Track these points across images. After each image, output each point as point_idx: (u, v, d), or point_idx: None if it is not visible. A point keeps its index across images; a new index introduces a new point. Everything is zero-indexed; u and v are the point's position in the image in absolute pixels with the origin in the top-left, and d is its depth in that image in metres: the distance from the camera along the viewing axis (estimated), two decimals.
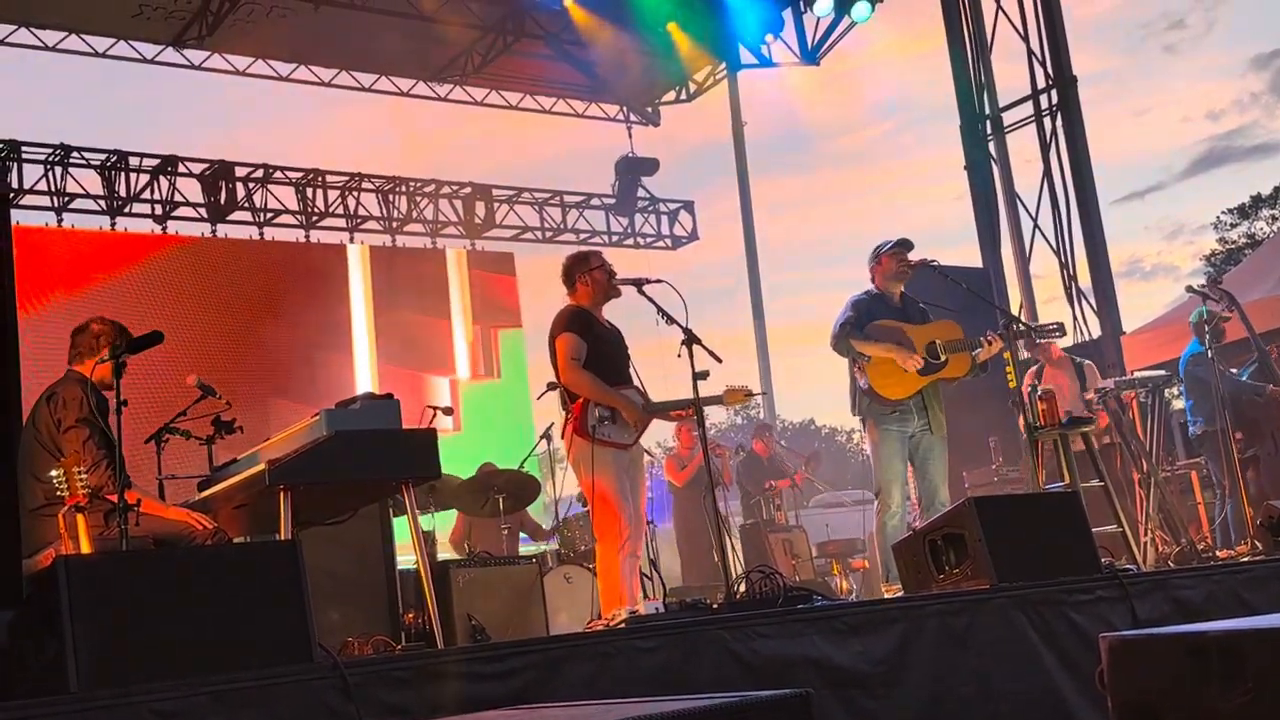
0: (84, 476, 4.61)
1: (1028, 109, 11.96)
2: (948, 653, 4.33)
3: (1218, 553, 7.52)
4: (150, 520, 5.13)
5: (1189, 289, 8.85)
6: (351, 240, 14.40)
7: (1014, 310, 10.90)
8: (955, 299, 7.22)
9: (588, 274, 6.17)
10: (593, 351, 5.99)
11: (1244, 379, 8.65)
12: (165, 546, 5.03)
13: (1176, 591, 5.01)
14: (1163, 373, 8.11)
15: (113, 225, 12.60)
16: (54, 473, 4.62)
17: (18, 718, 2.79)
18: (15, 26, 11.90)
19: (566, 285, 6.25)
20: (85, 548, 4.60)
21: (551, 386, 6.29)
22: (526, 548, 9.99)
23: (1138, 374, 8.35)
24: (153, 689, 2.95)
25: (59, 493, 4.60)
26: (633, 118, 15.93)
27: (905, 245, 6.99)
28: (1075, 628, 4.61)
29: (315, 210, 14.10)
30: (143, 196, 12.80)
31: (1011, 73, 12.13)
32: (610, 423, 5.92)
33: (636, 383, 6.12)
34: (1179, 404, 9.57)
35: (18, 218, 11.69)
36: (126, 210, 12.71)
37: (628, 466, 6.02)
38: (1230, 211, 40.34)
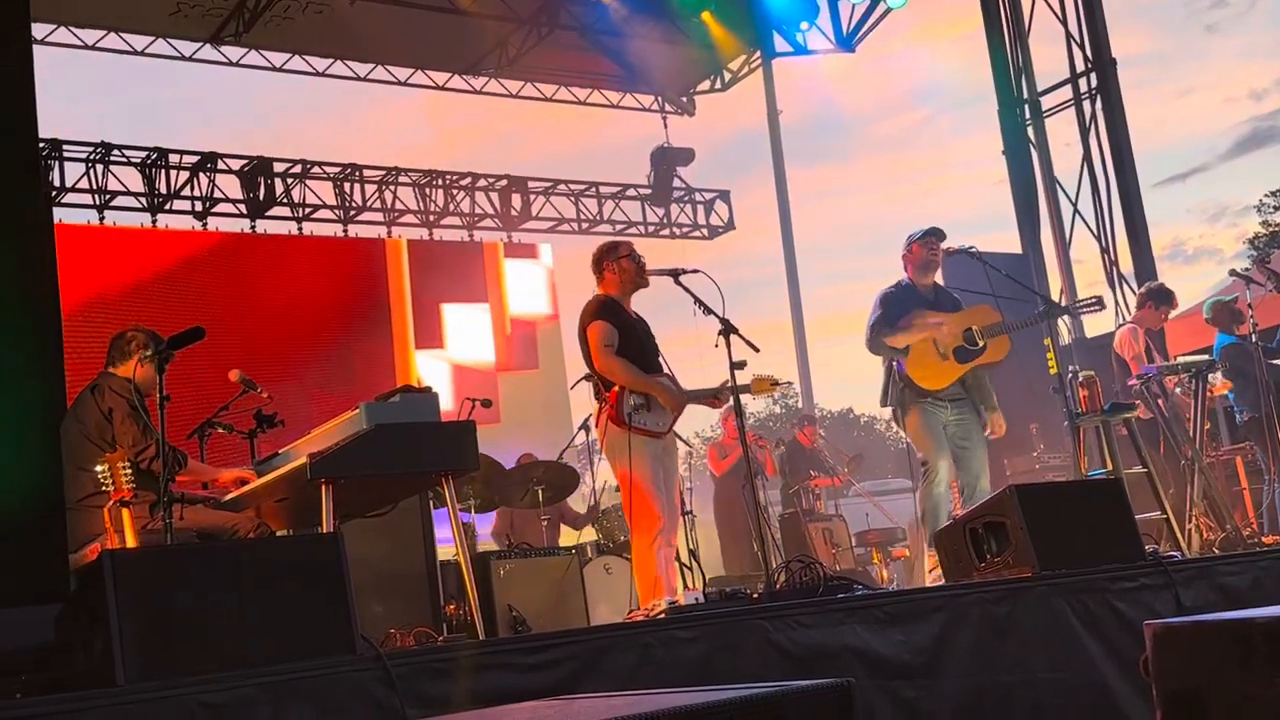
0: (128, 471, 4.66)
1: (1067, 93, 11.86)
2: (989, 641, 4.31)
3: (1263, 538, 7.44)
4: (194, 513, 5.19)
5: (1232, 273, 8.73)
6: (389, 234, 14.47)
7: (1054, 296, 10.80)
8: (995, 286, 7.15)
9: (615, 263, 6.16)
10: (622, 339, 6.00)
11: None
12: (209, 540, 5.09)
13: (1222, 578, 4.97)
14: (1206, 357, 8.00)
15: (153, 222, 12.72)
16: (99, 467, 4.67)
17: (67, 710, 2.83)
18: (54, 26, 12.01)
19: (595, 274, 6.26)
20: (131, 541, 4.65)
21: (585, 377, 6.29)
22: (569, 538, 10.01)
23: (1180, 359, 8.24)
24: (199, 681, 2.99)
25: (104, 487, 4.65)
26: (668, 108, 15.90)
27: (936, 234, 6.93)
28: (1119, 615, 4.58)
29: (353, 205, 14.17)
30: (183, 193, 12.90)
31: (1050, 56, 12.03)
32: (645, 410, 5.91)
33: (667, 371, 6.11)
34: (1221, 390, 9.43)
35: (60, 216, 11.83)
36: (167, 207, 12.82)
37: (661, 455, 6.01)
38: (1273, 194, 39.60)
